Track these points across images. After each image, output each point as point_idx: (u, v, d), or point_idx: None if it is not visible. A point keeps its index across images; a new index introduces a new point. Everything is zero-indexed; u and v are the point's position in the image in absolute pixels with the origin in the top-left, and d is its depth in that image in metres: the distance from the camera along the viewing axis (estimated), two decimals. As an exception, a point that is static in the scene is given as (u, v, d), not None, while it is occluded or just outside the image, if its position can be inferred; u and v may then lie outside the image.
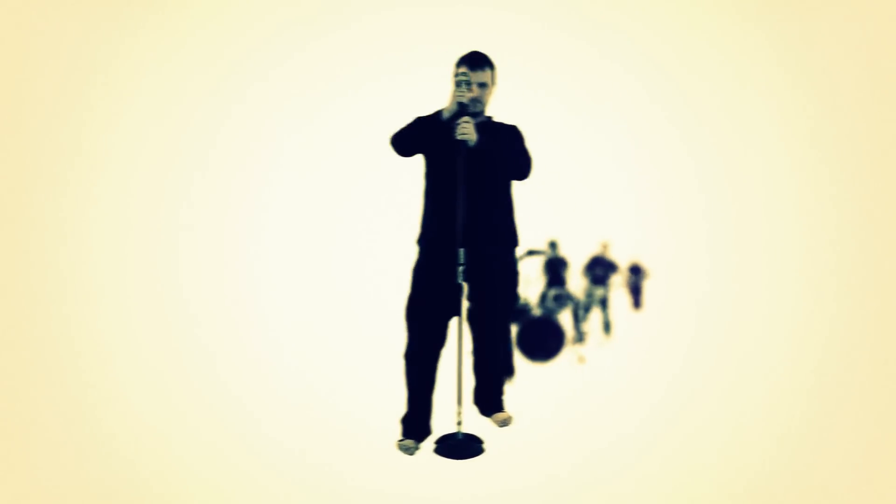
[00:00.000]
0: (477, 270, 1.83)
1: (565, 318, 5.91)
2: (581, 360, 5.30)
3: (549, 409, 3.22)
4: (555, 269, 6.15)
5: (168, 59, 5.07)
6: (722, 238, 6.63)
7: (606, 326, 6.52)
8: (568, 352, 5.57)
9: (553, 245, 6.22)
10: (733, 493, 1.94)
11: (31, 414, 2.41)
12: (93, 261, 4.42)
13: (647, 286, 7.97)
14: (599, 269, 6.58)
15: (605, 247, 6.71)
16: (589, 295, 6.57)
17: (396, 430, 1.86)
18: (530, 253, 4.06)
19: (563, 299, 5.66)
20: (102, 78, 4.95)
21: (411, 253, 1.92)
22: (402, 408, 1.88)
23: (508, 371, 2.45)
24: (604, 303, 6.56)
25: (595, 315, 6.79)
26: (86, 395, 3.06)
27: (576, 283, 5.89)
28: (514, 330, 5.16)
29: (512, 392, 3.67)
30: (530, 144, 1.94)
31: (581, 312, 5.98)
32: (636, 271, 7.85)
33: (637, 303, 7.93)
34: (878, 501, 1.89)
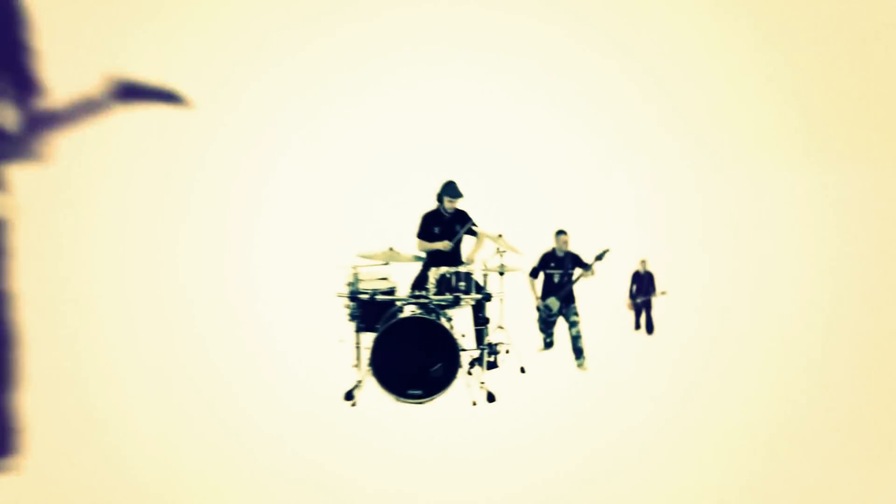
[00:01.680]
0: None
1: (459, 324, 3.55)
2: (486, 397, 3.13)
3: (548, 409, 3.09)
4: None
5: (167, 60, 5.02)
6: (722, 243, 6.41)
7: (578, 353, 4.02)
8: (462, 381, 3.28)
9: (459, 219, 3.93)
10: (733, 493, 1.96)
11: (32, 415, 2.29)
12: (93, 261, 4.43)
13: (657, 302, 5.31)
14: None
15: (563, 241, 4.28)
16: (547, 307, 4.19)
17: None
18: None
19: (457, 288, 3.27)
20: (102, 77, 4.78)
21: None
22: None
23: None
24: (571, 318, 4.11)
25: (560, 336, 4.40)
26: (86, 396, 3.06)
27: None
28: (369, 341, 3.08)
29: (509, 392, 3.38)
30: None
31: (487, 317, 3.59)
32: (641, 282, 5.27)
33: (649, 327, 5.32)
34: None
